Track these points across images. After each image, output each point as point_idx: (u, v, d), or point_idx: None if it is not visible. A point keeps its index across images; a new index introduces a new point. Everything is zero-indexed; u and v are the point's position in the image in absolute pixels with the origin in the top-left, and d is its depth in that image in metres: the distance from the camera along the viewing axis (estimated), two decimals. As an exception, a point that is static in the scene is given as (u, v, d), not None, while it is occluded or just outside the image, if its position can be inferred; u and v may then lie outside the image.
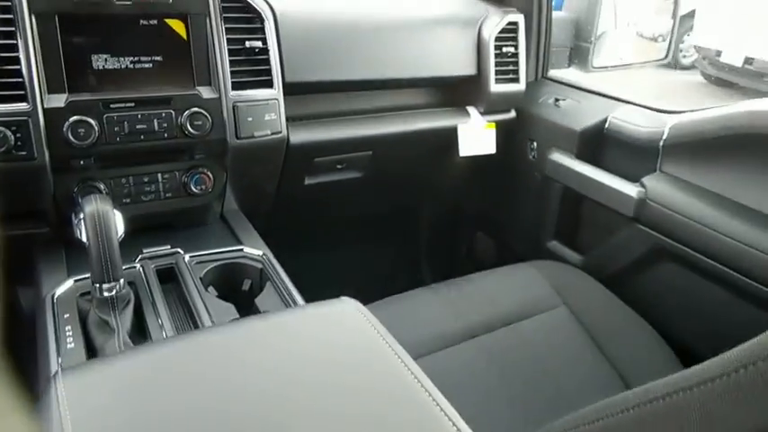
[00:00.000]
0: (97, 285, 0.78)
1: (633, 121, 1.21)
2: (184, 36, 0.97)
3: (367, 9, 1.29)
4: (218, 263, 0.97)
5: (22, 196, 0.94)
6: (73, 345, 0.75)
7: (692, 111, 1.15)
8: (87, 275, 0.89)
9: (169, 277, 0.94)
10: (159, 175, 1.00)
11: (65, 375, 0.49)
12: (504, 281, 1.14)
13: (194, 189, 1.02)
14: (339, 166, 1.29)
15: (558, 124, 1.34)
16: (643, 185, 1.14)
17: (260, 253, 0.99)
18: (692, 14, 6.51)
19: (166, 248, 1.00)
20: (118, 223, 0.80)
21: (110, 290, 0.78)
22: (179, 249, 0.99)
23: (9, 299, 1.14)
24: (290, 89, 1.11)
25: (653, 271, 1.15)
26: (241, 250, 1.00)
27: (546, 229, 1.41)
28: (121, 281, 0.79)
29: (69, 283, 0.89)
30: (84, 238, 0.77)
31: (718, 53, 5.86)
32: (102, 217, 0.77)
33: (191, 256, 0.97)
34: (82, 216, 0.78)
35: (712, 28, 5.55)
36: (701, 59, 5.83)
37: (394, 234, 1.70)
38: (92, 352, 0.75)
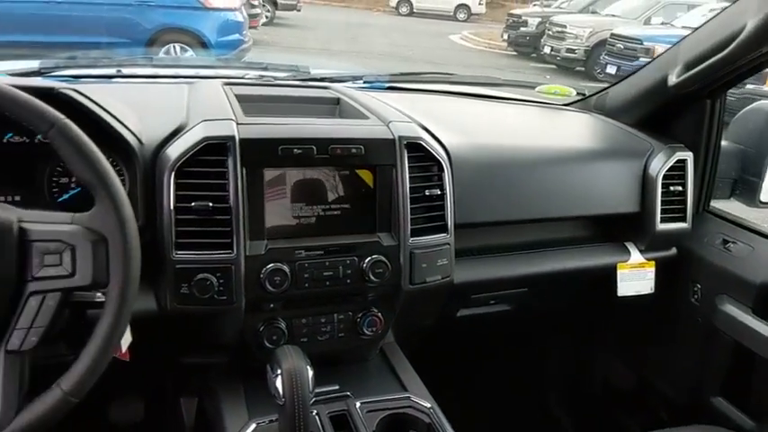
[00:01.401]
0: None
1: (827, 283, 1.11)
2: (371, 185, 1.01)
3: (531, 143, 1.29)
4: (388, 412, 0.97)
5: (209, 332, 0.99)
6: None
7: None
8: (269, 419, 0.92)
9: (341, 423, 0.95)
10: (335, 315, 1.02)
11: None
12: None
13: (366, 331, 1.03)
14: (492, 301, 1.27)
15: (730, 271, 1.26)
16: None
17: (428, 405, 0.98)
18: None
19: (335, 388, 1.01)
20: (310, 379, 0.81)
21: None
22: (348, 393, 1.00)
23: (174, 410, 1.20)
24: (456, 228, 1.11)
25: None
26: (408, 398, 1.00)
27: (709, 382, 1.30)
28: None
29: (252, 426, 0.91)
30: (279, 393, 0.79)
31: None
32: (299, 375, 0.79)
33: (361, 403, 0.97)
34: (279, 372, 0.80)
35: None
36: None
37: (528, 356, 1.65)
38: None
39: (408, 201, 1.02)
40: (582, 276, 1.29)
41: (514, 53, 12.75)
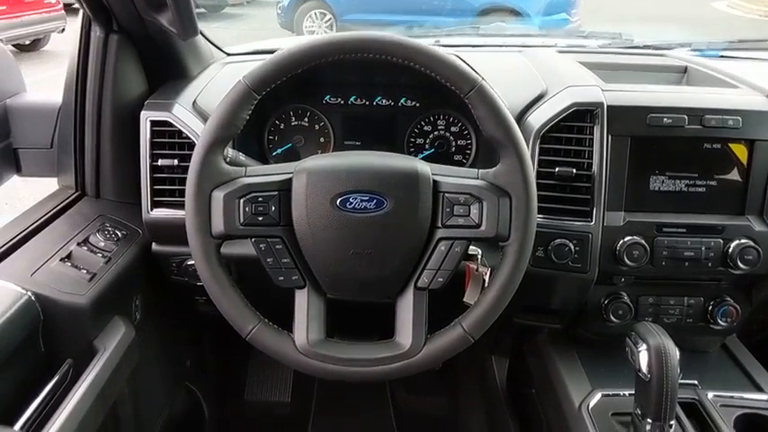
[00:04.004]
0: (650, 421, 0.78)
1: None
2: (744, 162, 0.92)
3: None
4: (747, 411, 0.89)
5: (552, 297, 1.00)
6: None
7: None
8: (613, 392, 0.91)
9: (693, 411, 0.89)
10: (685, 299, 0.96)
11: None
12: None
13: (720, 320, 0.95)
14: None
15: None
16: None
17: None
18: None
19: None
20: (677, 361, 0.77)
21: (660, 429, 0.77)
22: (694, 381, 0.94)
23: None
24: None
25: None
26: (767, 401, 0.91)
27: None
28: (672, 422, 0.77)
29: (597, 396, 0.91)
30: (644, 369, 0.77)
31: None
32: (668, 354, 0.76)
33: (714, 396, 0.91)
34: (644, 347, 0.77)
35: None
36: None
37: None
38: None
39: None
40: None
41: (800, 20, 10.52)
